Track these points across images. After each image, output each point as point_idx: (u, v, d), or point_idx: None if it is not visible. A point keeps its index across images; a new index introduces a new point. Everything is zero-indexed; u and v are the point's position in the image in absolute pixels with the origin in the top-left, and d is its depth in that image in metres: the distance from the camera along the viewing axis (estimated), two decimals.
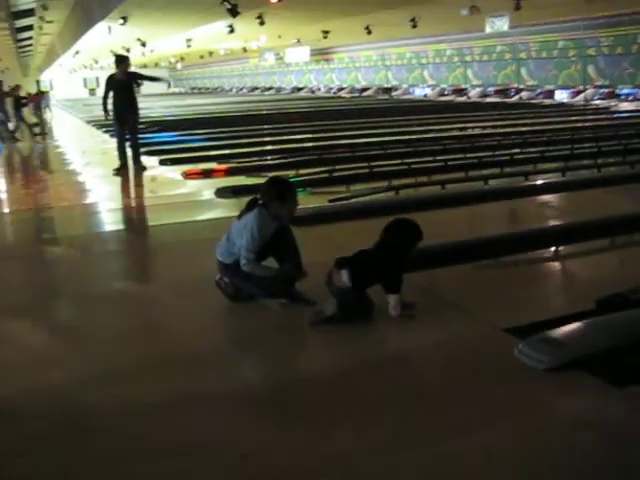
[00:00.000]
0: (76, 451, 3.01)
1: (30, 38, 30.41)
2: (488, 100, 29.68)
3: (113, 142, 12.55)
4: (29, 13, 21.85)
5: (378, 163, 10.78)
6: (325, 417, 3.26)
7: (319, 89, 45.15)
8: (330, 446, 2.98)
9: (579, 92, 27.56)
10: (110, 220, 8.27)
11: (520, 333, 4.01)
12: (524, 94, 29.71)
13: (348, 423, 3.19)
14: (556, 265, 5.98)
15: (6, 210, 9.39)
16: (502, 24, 23.27)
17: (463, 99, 31.33)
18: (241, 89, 55.54)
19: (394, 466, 2.82)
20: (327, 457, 2.90)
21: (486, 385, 3.52)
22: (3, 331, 4.51)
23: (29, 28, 25.96)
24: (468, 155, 11.55)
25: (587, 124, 17.34)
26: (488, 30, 24.26)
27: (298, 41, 34.61)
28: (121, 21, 19.27)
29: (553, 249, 6.15)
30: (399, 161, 11.01)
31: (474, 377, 3.61)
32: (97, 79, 54.41)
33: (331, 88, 43.64)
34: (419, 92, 36.01)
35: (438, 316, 4.55)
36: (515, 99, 29.40)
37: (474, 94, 31.92)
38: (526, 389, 3.47)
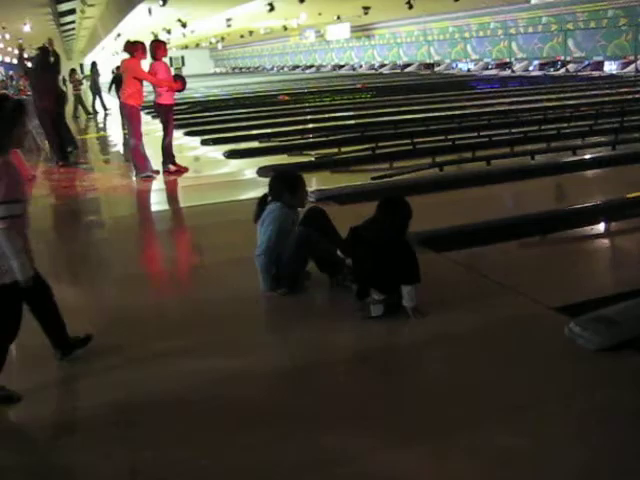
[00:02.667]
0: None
1: (73, 22, 30.72)
2: (533, 74, 29.05)
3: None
4: None
5: (421, 140, 10.62)
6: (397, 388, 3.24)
7: (360, 66, 44.77)
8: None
9: (629, 62, 26.75)
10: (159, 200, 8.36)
11: (570, 312, 3.90)
12: (571, 66, 29.00)
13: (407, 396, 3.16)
14: (606, 242, 5.80)
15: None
16: None
17: (507, 73, 30.73)
18: (282, 68, 55.41)
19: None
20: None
21: (536, 365, 3.43)
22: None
23: (71, 12, 26.19)
24: (513, 130, 11.30)
25: (638, 96, 16.82)
26: (533, 1, 23.66)
27: (338, 18, 34.31)
28: (161, 2, 19.28)
29: (603, 225, 5.97)
30: (443, 137, 10.84)
31: (523, 357, 3.52)
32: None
33: (372, 65, 43.23)
34: (462, 67, 35.43)
35: (485, 295, 4.46)
36: (561, 72, 28.72)
37: (519, 68, 31.27)
38: (577, 369, 3.38)
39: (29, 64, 11.33)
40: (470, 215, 6.28)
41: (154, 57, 9.22)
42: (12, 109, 3.28)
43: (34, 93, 10.82)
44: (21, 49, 12.99)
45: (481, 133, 11.07)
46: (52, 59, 10.79)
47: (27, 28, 27.34)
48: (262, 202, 4.68)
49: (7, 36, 32.52)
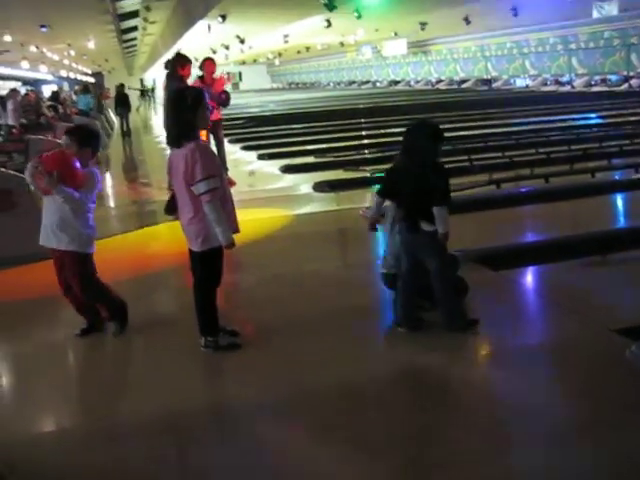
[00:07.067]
0: None
1: (134, 39, 31.43)
2: (594, 89, 28.48)
3: None
4: (134, 15, 22.55)
5: (478, 156, 10.51)
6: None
7: (417, 82, 44.63)
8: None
9: None
10: None
11: (632, 334, 3.78)
12: (634, 82, 28.29)
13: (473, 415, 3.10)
14: None
15: None
16: (611, 8, 22.14)
17: (567, 89, 30.20)
18: (338, 83, 55.61)
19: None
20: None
21: (597, 388, 3.33)
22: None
23: (134, 29, 26.81)
24: (573, 147, 11.09)
25: None
26: (595, 15, 23.17)
27: (395, 34, 34.26)
28: (220, 19, 19.59)
29: None
30: (500, 154, 10.70)
31: (584, 380, 3.42)
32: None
33: (429, 81, 43.05)
34: (520, 83, 34.98)
35: (543, 316, 4.37)
36: (624, 87, 28.06)
37: (579, 83, 30.69)
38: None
39: None
40: (528, 233, 6.18)
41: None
42: (193, 97, 3.84)
43: None
44: None
45: (539, 150, 10.90)
46: None
47: (91, 45, 28.08)
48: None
49: (72, 52, 33.47)
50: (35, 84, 48.84)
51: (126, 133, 19.51)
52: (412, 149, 4.07)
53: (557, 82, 32.24)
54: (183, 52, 10.04)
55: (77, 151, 4.11)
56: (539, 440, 2.91)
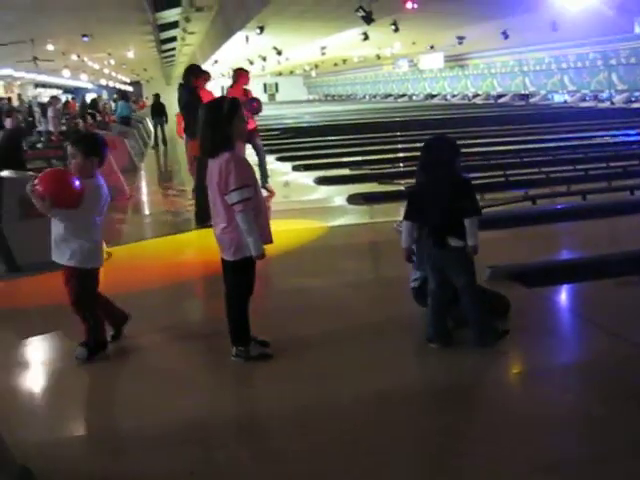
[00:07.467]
0: None
1: (173, 49, 31.86)
2: (634, 106, 28.09)
3: None
4: (173, 25, 22.87)
5: (514, 172, 10.41)
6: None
7: (453, 96, 44.47)
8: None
9: None
10: None
11: None
12: None
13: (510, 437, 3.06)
14: None
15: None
16: None
17: (606, 105, 29.82)
18: (374, 96, 55.67)
19: None
20: None
21: (633, 410, 3.27)
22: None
23: (173, 39, 27.18)
24: (611, 164, 10.93)
25: None
26: (637, 31, 22.88)
27: (432, 47, 34.22)
28: (258, 31, 19.77)
29: None
30: (536, 170, 10.60)
31: (617, 400, 3.36)
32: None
33: (466, 95, 42.87)
34: (558, 98, 34.65)
35: (577, 334, 4.31)
36: None
37: (618, 99, 30.30)
38: None
39: None
40: (564, 251, 6.10)
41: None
42: (229, 107, 3.82)
43: None
44: None
45: (577, 166, 10.77)
46: None
47: (131, 54, 28.55)
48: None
49: (112, 61, 34.03)
50: (76, 92, 49.76)
51: (163, 142, 19.73)
52: (429, 165, 4.08)
53: (596, 98, 31.83)
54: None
55: (82, 161, 3.93)
56: (566, 462, 2.86)
